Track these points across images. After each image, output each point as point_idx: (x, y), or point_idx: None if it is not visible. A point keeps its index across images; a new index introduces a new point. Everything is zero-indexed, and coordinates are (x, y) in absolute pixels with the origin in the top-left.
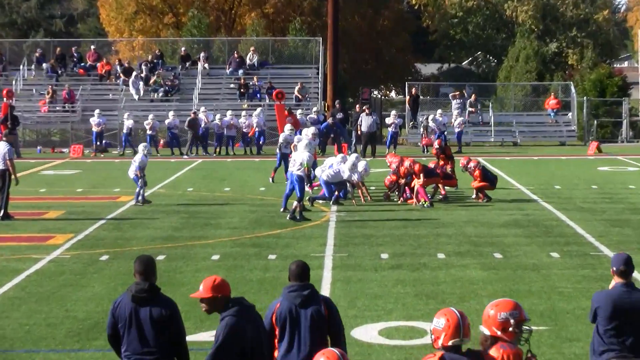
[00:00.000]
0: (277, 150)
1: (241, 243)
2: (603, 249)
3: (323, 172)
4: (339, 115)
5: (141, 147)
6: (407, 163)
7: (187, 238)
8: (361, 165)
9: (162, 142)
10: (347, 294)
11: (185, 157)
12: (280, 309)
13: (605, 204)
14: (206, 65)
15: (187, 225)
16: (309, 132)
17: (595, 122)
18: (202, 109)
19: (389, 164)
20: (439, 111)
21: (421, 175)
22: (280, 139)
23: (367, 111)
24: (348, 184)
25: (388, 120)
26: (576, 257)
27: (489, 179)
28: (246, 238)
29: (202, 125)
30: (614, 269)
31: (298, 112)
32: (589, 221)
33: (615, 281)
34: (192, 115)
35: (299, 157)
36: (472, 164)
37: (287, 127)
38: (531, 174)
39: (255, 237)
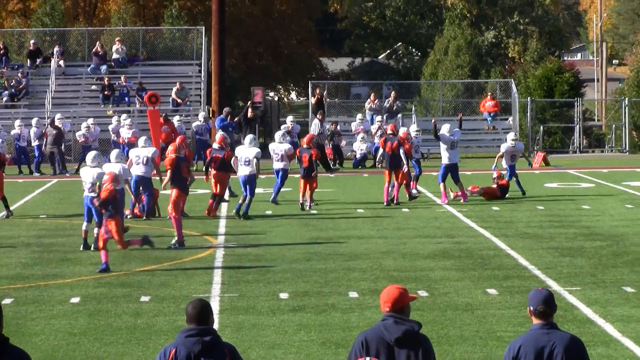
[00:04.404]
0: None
1: (107, 282)
2: (551, 283)
3: None
4: None
5: None
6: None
7: (40, 277)
8: None
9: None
10: (238, 342)
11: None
12: (177, 357)
13: (553, 228)
14: (61, 62)
15: (40, 261)
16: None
17: (542, 128)
18: (58, 116)
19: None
20: (359, 116)
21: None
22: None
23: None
24: None
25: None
26: (518, 294)
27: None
28: (113, 276)
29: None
30: (531, 308)
31: (176, 120)
32: (533, 250)
33: (534, 322)
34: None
35: (89, 174)
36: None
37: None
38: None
39: (124, 274)
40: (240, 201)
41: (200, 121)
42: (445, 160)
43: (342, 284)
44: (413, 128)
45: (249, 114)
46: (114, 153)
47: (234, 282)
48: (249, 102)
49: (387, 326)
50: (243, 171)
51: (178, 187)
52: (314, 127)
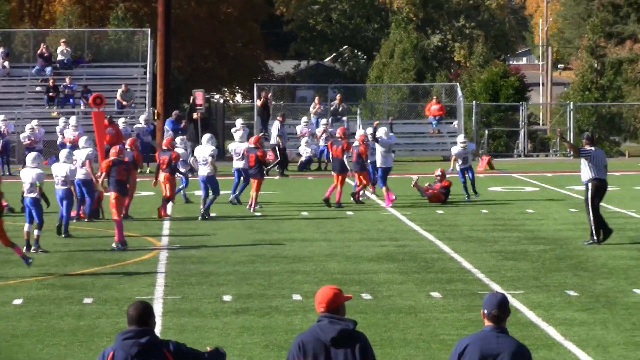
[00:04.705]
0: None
1: (49, 284)
2: (494, 286)
3: None
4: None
5: None
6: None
7: None
8: None
9: None
10: None
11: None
12: None
13: (497, 232)
14: (6, 63)
15: None
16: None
17: (487, 132)
18: (1, 117)
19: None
20: (304, 119)
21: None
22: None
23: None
24: None
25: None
26: (461, 298)
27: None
28: (55, 277)
29: None
30: (485, 312)
31: (121, 122)
32: (477, 253)
33: (486, 325)
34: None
35: (28, 175)
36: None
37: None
38: (408, 195)
39: (66, 276)
40: (207, 201)
41: (141, 123)
42: (382, 164)
43: (286, 286)
44: (369, 131)
45: (194, 116)
46: (63, 153)
47: (177, 284)
48: (190, 103)
49: (322, 327)
50: (202, 171)
51: (116, 190)
52: (274, 129)
